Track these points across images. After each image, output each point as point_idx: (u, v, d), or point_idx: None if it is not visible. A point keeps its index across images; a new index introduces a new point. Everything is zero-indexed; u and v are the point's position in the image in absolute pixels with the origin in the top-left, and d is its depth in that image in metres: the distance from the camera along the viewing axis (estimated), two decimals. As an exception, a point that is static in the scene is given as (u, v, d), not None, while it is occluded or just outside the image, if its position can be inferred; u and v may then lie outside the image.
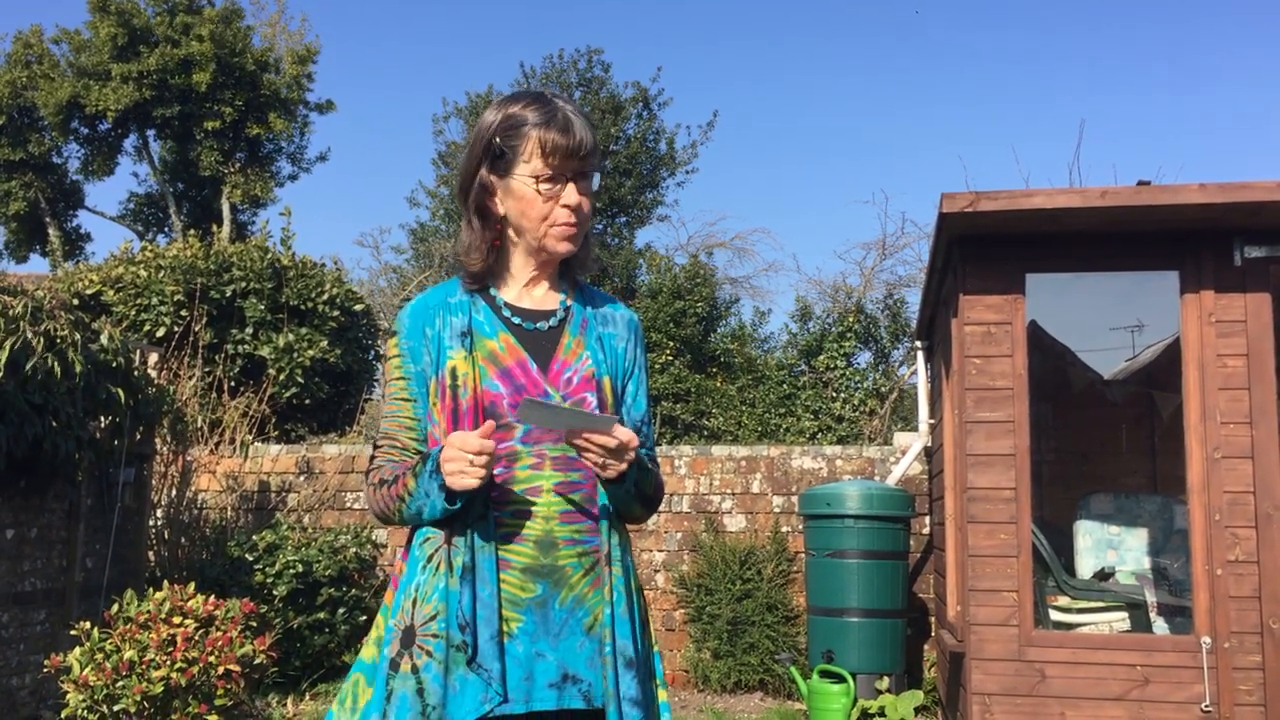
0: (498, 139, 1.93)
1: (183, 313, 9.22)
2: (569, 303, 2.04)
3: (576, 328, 2.01)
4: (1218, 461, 4.78)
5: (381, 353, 1.95)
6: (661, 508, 8.02)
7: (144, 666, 4.92)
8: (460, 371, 1.91)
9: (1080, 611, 5.87)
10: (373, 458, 1.99)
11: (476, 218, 1.98)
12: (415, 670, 1.80)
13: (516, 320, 1.99)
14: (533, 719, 1.84)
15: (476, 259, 1.99)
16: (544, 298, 2.03)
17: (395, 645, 1.84)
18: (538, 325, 1.99)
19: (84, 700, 4.92)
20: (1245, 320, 4.83)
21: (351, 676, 1.94)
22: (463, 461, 1.76)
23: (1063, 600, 5.92)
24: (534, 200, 1.92)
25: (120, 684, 4.88)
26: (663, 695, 1.99)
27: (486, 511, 1.85)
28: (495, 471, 1.85)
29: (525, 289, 2.02)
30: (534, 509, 1.87)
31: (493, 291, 2.01)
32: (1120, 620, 5.79)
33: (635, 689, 1.85)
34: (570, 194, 1.93)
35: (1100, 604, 5.89)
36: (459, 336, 1.94)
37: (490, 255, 2.00)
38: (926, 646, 7.46)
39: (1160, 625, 5.67)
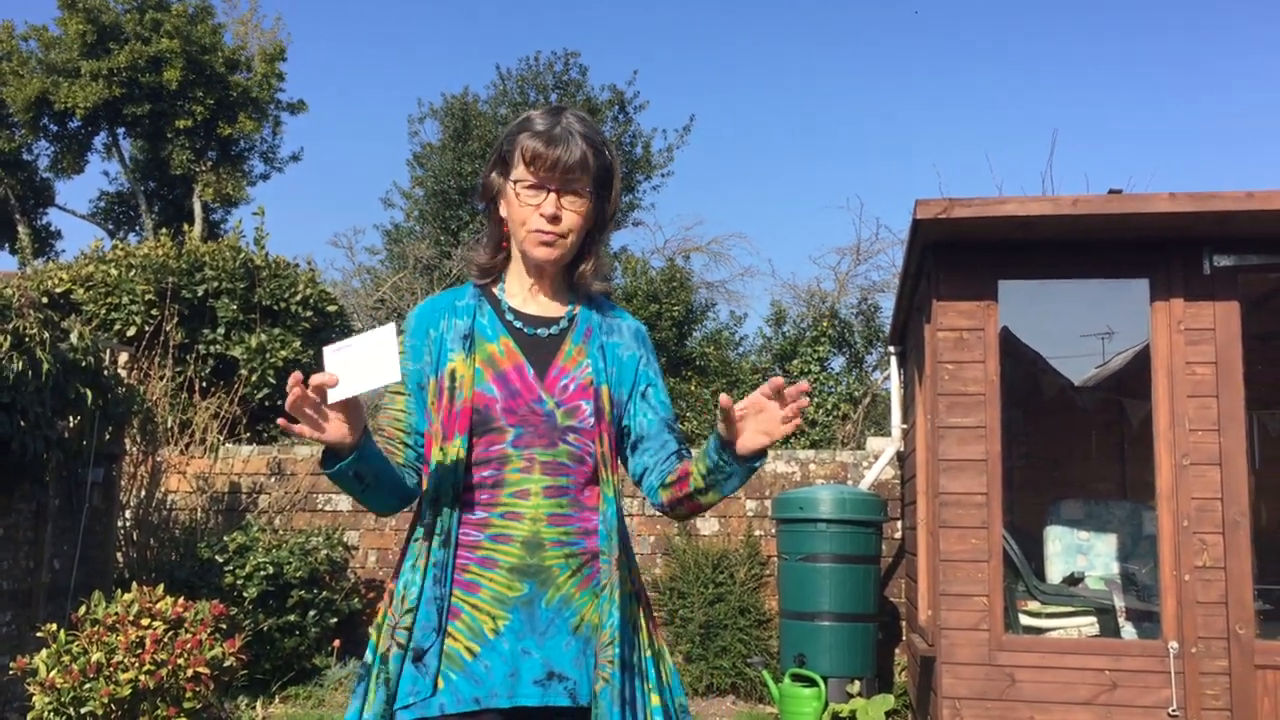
0: (505, 144, 2.02)
1: (153, 312, 9.14)
2: (574, 311, 2.08)
3: (579, 336, 2.05)
4: (1186, 468, 4.83)
5: None
6: (634, 510, 8.03)
7: (112, 669, 4.87)
8: (458, 374, 1.94)
9: (1050, 616, 5.91)
10: None
11: (490, 211, 2.08)
12: (385, 661, 1.87)
13: (519, 325, 2.03)
14: (518, 714, 1.87)
15: (484, 254, 2.08)
16: (550, 304, 2.07)
17: (385, 639, 1.90)
18: (539, 331, 2.03)
19: (50, 703, 4.87)
20: (1214, 328, 4.88)
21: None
22: (296, 400, 1.72)
23: (1033, 605, 5.97)
24: (515, 205, 1.99)
25: (87, 686, 4.83)
26: (665, 700, 2.00)
27: (453, 512, 1.91)
28: (485, 474, 1.92)
29: (531, 295, 2.07)
30: (522, 511, 1.91)
31: (500, 295, 2.07)
32: (1089, 625, 5.84)
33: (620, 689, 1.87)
34: (549, 204, 1.95)
35: (1069, 609, 5.93)
36: (461, 339, 1.99)
37: (498, 253, 2.08)
38: (898, 650, 7.49)
39: (1129, 630, 5.72)
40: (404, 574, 1.93)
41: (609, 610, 1.89)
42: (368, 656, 1.94)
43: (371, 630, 1.98)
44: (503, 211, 2.03)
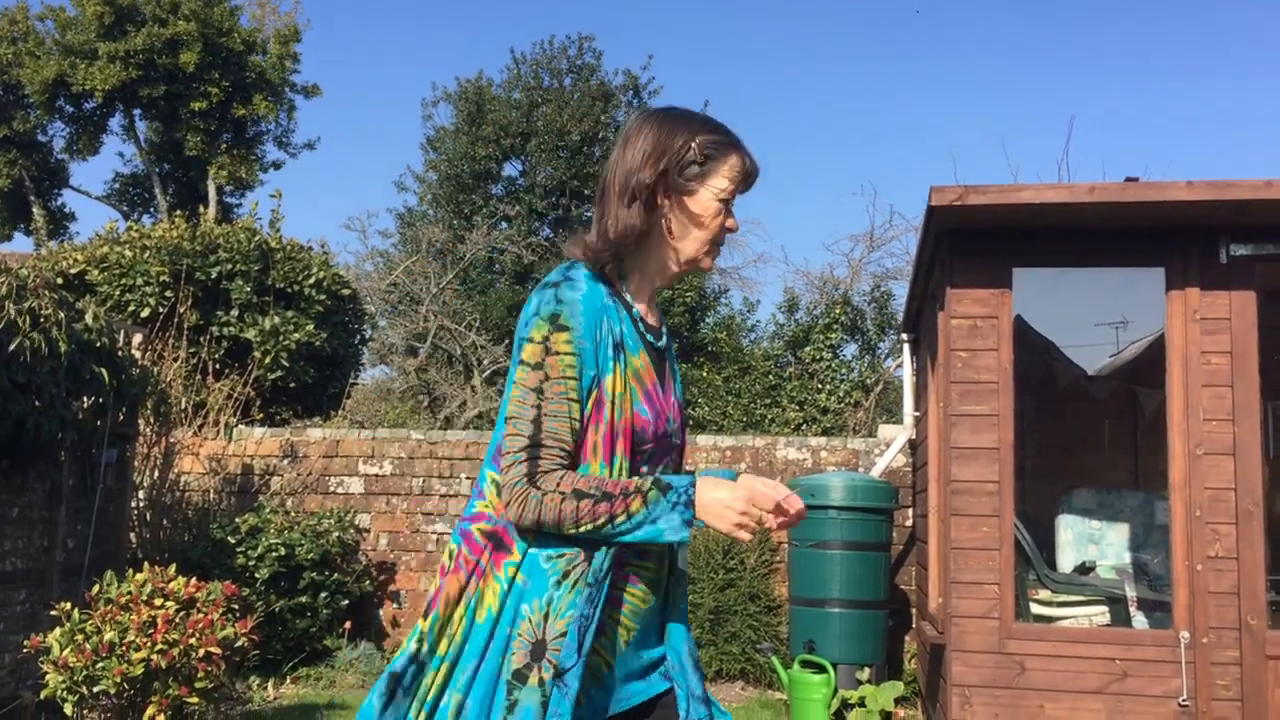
0: (695, 147, 1.98)
1: (168, 293, 9.17)
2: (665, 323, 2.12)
3: (673, 349, 2.10)
4: (1200, 458, 4.80)
5: (525, 336, 1.87)
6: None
7: (124, 648, 4.90)
8: (616, 390, 1.92)
9: (1061, 605, 5.90)
10: (535, 456, 1.87)
11: (644, 207, 1.98)
12: (542, 684, 1.82)
13: (649, 336, 2.03)
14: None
15: (602, 243, 1.99)
16: (655, 313, 2.08)
17: (522, 656, 1.84)
18: (658, 343, 2.05)
19: (64, 681, 4.91)
20: (1230, 318, 4.85)
21: (402, 669, 1.90)
22: (745, 520, 1.83)
23: (1043, 594, 5.96)
24: (705, 212, 1.99)
25: (100, 665, 4.86)
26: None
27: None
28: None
29: (650, 303, 2.07)
30: None
31: (628, 298, 2.03)
32: (1100, 614, 5.82)
33: (699, 683, 2.03)
34: (733, 221, 2.03)
35: (1080, 598, 5.92)
36: (613, 347, 1.93)
37: (623, 247, 2.00)
38: (907, 638, 7.49)
39: (1140, 620, 5.70)
40: (546, 590, 1.86)
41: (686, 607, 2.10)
42: (444, 649, 1.89)
43: (422, 623, 1.93)
44: (669, 210, 1.99)
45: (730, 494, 1.83)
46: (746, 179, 2.01)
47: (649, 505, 1.82)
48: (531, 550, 1.88)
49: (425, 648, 1.90)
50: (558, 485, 1.83)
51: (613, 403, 1.89)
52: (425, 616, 1.94)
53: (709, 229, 2.00)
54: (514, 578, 1.87)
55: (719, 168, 1.99)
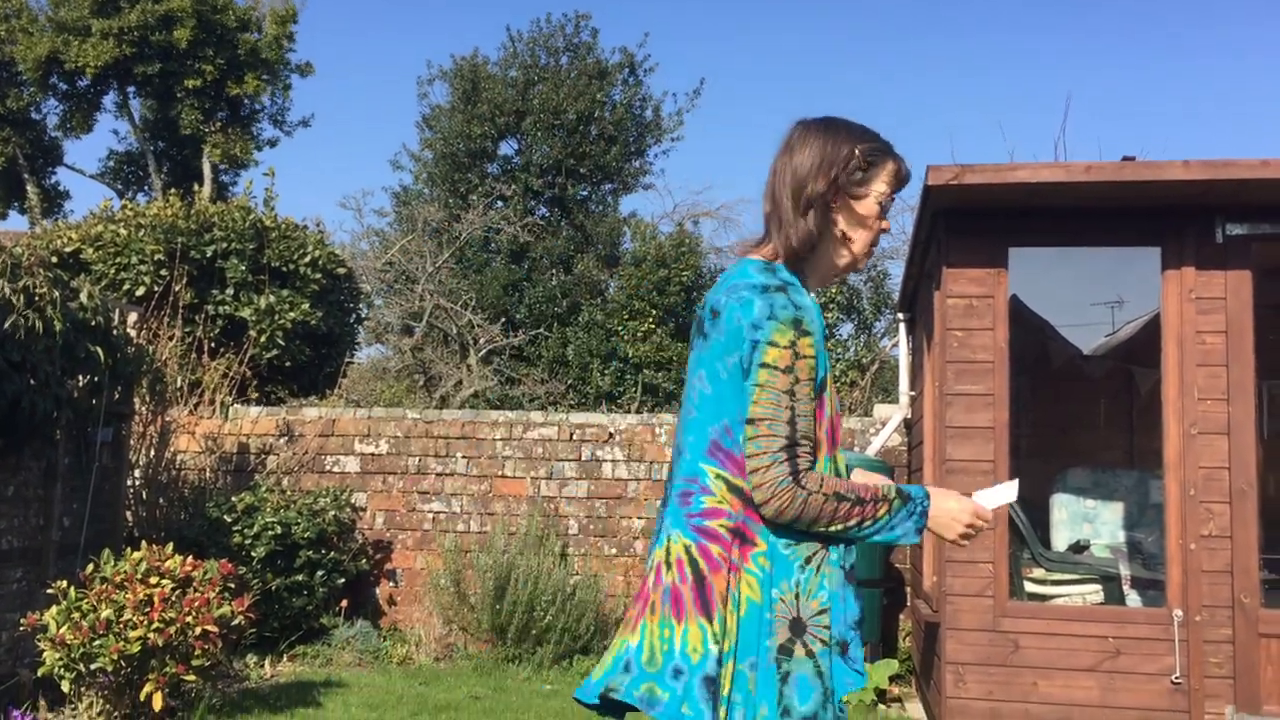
0: (859, 155, 2.14)
1: (163, 272, 9.14)
2: None
3: None
4: (1194, 437, 4.82)
5: (767, 340, 1.91)
6: (641, 475, 8.05)
7: (121, 626, 4.91)
8: (830, 389, 2.11)
9: (1055, 583, 5.93)
10: (794, 456, 1.99)
11: (819, 214, 2.14)
12: (811, 655, 2.00)
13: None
14: None
15: (803, 248, 2.14)
16: None
17: (785, 632, 2.00)
18: None
19: (60, 659, 4.92)
20: (1225, 298, 4.85)
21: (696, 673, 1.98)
22: (970, 530, 2.11)
23: (1038, 572, 5.98)
24: (871, 219, 2.16)
25: (97, 643, 4.87)
26: None
27: None
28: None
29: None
30: None
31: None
32: (1094, 593, 5.85)
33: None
34: (887, 221, 2.20)
35: (1074, 576, 5.95)
36: (823, 351, 2.11)
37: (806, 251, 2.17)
38: (902, 616, 7.52)
39: (1133, 598, 5.73)
40: (792, 574, 2.01)
41: None
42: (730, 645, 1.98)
43: (705, 625, 1.99)
44: (837, 215, 2.15)
45: (959, 506, 2.09)
46: (901, 183, 2.19)
47: (892, 513, 2.04)
48: (773, 540, 2.02)
49: (723, 647, 1.99)
50: (820, 486, 1.99)
51: (830, 401, 2.09)
52: (680, 617, 2.01)
53: (872, 231, 2.17)
54: (765, 567, 2.02)
55: (879, 174, 2.15)
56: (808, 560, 2.02)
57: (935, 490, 2.11)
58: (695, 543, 2.03)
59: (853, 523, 2.01)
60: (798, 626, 2.00)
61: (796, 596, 2.01)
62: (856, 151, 2.13)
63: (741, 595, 2.00)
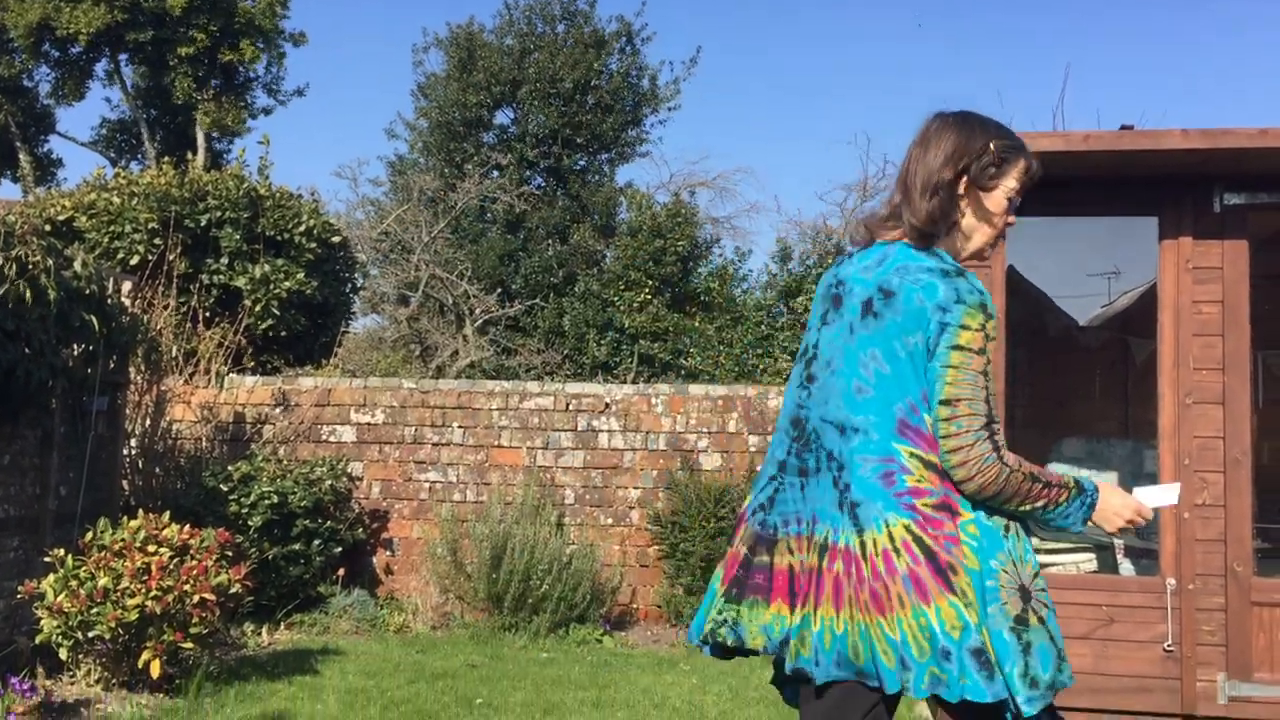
0: (993, 150, 2.22)
1: (156, 241, 9.11)
2: None
3: None
4: (1189, 407, 4.83)
5: (959, 323, 1.95)
6: (637, 445, 8.06)
7: (119, 594, 4.93)
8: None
9: (1048, 552, 5.94)
10: (994, 434, 2.10)
11: (944, 199, 2.22)
12: (1042, 621, 2.09)
13: None
14: None
15: (930, 231, 2.23)
16: None
17: (1016, 602, 2.08)
18: None
19: (58, 626, 4.94)
20: (1222, 267, 4.85)
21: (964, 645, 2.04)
22: (1129, 525, 2.22)
23: (1032, 541, 6.00)
24: (999, 213, 2.26)
25: (95, 611, 4.89)
26: None
27: None
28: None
29: None
30: None
31: None
32: (1088, 561, 5.87)
33: None
34: (1013, 216, 2.30)
35: (1068, 545, 5.96)
36: None
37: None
38: (896, 585, 7.55)
39: (1127, 567, 5.75)
40: (1000, 543, 2.10)
41: None
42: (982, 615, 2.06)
43: (954, 600, 2.05)
44: (965, 205, 2.24)
45: (1121, 501, 2.21)
46: (1031, 181, 2.28)
47: (1069, 501, 2.15)
48: (975, 511, 2.11)
49: (976, 617, 2.05)
50: (1019, 465, 2.10)
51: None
52: (928, 599, 2.04)
53: (998, 225, 2.27)
54: (976, 535, 2.10)
55: (1011, 170, 2.24)
56: (1006, 529, 2.12)
57: (1104, 485, 2.22)
58: (914, 520, 2.08)
59: (1040, 504, 2.11)
60: (1025, 594, 2.09)
61: (1014, 563, 2.10)
62: (992, 146, 2.21)
63: (964, 564, 2.07)
